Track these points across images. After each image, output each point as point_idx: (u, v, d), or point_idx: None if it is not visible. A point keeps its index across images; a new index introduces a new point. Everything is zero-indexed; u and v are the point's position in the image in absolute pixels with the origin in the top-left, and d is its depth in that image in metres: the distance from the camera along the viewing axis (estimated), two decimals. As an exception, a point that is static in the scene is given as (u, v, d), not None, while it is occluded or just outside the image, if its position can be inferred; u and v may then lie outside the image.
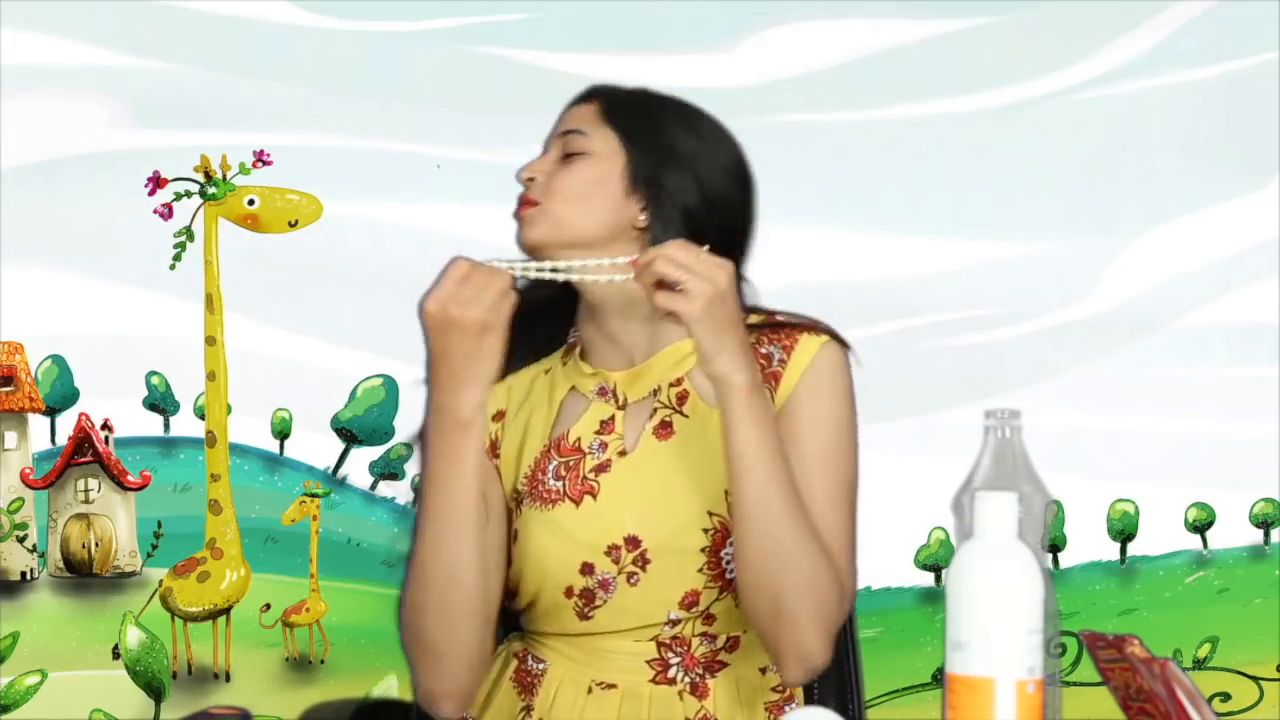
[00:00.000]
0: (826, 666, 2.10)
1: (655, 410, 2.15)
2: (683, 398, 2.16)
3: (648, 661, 2.14)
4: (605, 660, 2.14)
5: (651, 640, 2.14)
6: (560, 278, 2.11)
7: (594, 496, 2.12)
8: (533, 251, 2.18)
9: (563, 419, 2.18)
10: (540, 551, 2.11)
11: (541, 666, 2.16)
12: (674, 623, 2.13)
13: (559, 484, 2.14)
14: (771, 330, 2.19)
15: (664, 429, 2.15)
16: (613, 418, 2.15)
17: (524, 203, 2.19)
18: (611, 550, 2.11)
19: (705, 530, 2.11)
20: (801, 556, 2.04)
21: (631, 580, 2.11)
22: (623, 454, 2.14)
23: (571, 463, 2.14)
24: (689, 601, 2.12)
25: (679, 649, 2.14)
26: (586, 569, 2.11)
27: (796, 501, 2.05)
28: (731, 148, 2.22)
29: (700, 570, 2.11)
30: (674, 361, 2.17)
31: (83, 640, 3.28)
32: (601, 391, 2.16)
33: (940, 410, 3.26)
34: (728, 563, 2.12)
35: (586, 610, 2.12)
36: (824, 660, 2.08)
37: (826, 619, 2.08)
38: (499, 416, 2.19)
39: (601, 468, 2.14)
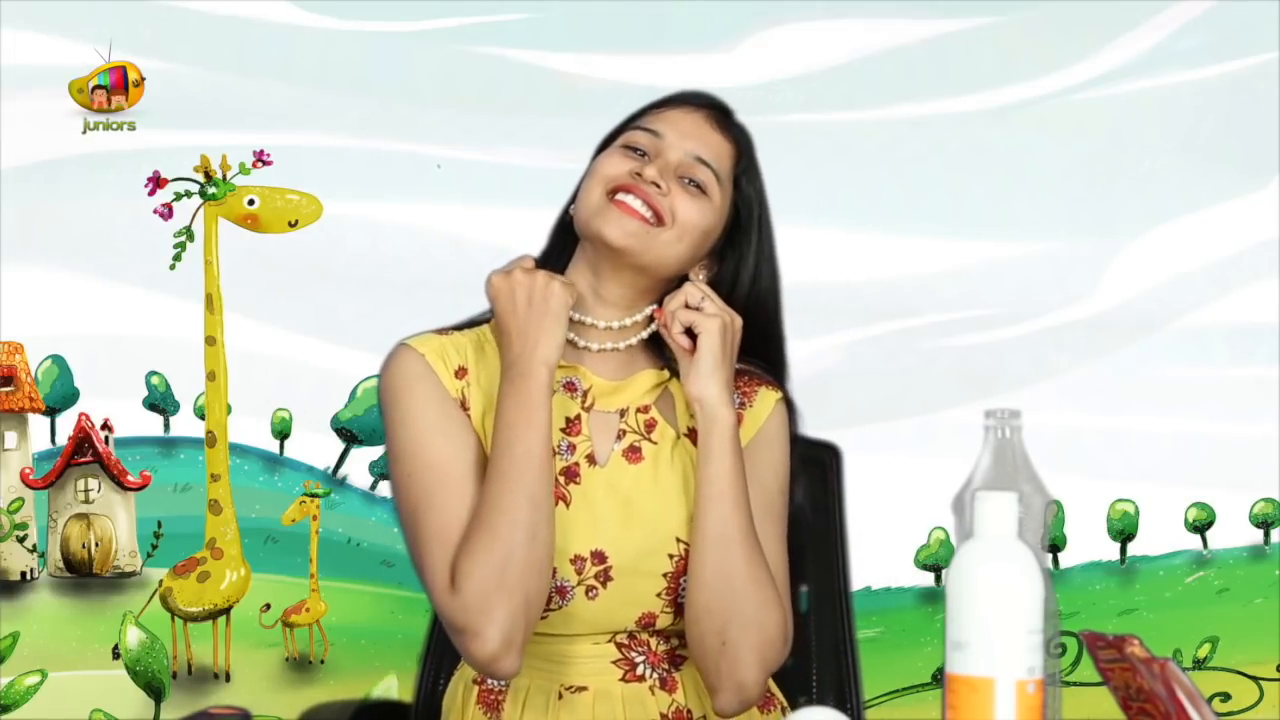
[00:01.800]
0: (757, 702, 2.11)
1: (623, 432, 2.15)
2: (650, 425, 2.16)
3: (613, 662, 2.14)
4: (570, 665, 2.13)
5: (610, 642, 2.14)
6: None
7: (566, 504, 2.11)
8: (610, 249, 2.10)
9: None
10: None
11: (502, 683, 2.15)
12: (629, 634, 2.13)
13: None
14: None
15: (634, 453, 2.14)
16: (579, 418, 2.14)
17: (640, 200, 2.09)
18: (576, 560, 2.10)
19: (671, 556, 2.11)
20: (754, 590, 2.08)
21: (590, 594, 2.10)
22: (590, 460, 2.13)
23: None
24: (644, 622, 2.12)
25: (639, 648, 2.14)
26: None
27: (755, 538, 2.09)
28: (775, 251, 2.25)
29: (658, 595, 2.11)
30: (645, 389, 2.17)
31: (83, 640, 3.28)
32: (569, 386, 2.15)
33: (940, 410, 3.26)
34: (683, 588, 2.12)
35: (542, 610, 2.12)
36: (758, 695, 2.10)
37: (767, 656, 2.10)
38: (461, 373, 2.14)
39: (571, 474, 2.12)
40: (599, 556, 2.11)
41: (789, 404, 2.22)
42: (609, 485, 2.13)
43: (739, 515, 2.07)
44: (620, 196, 2.10)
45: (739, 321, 2.11)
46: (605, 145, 2.19)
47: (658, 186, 2.11)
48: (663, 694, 2.14)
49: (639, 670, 2.14)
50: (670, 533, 2.12)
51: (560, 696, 2.13)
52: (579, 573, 2.10)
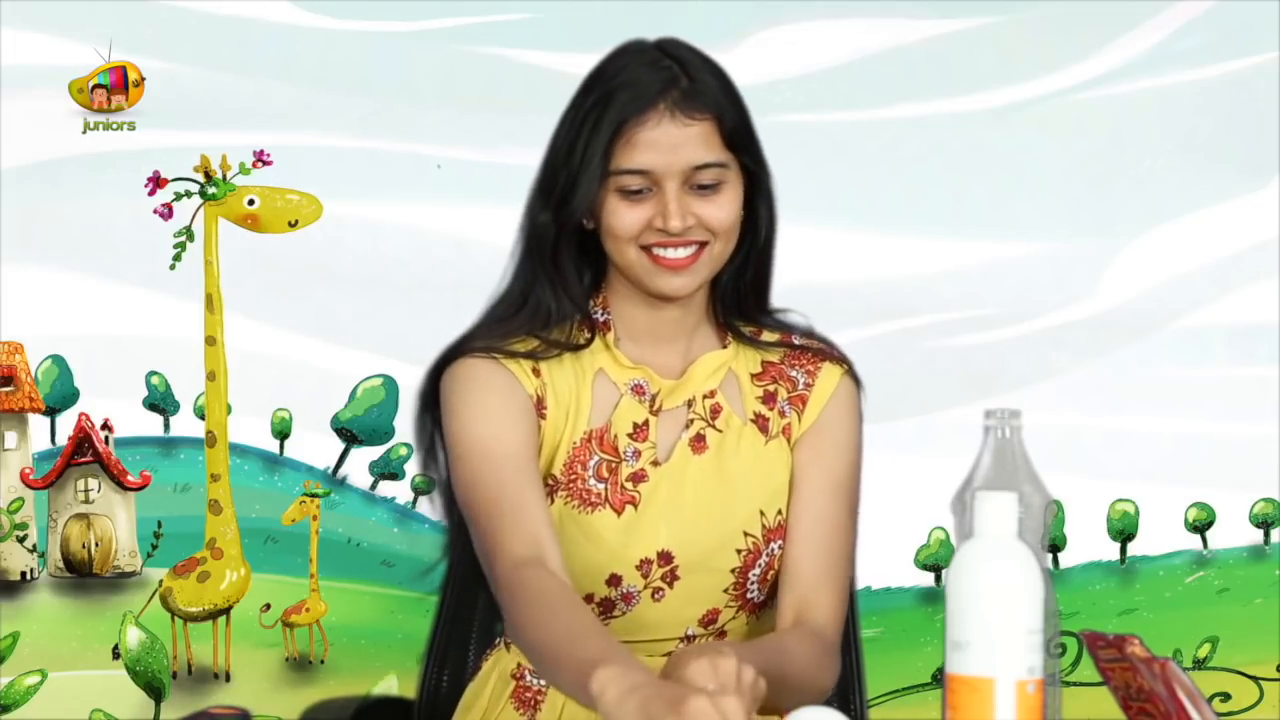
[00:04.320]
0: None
1: (690, 421, 2.13)
2: (716, 411, 2.13)
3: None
4: None
5: (664, 656, 2.12)
6: None
7: (635, 506, 2.08)
8: (677, 297, 2.09)
9: (598, 406, 2.13)
10: (576, 556, 2.08)
11: (542, 682, 2.14)
12: (688, 639, 2.12)
13: (601, 486, 2.08)
14: (794, 354, 2.18)
15: (699, 441, 2.12)
16: (646, 423, 2.11)
17: (676, 247, 2.05)
18: (642, 564, 2.08)
19: (739, 551, 2.09)
20: (827, 682, 2.08)
21: (656, 596, 2.09)
22: (655, 463, 2.11)
23: (612, 464, 2.10)
24: (708, 620, 2.11)
25: None
26: (613, 580, 2.09)
27: (805, 674, 2.04)
28: None
29: (725, 590, 2.10)
30: (709, 372, 2.14)
31: (83, 640, 3.28)
32: (637, 389, 2.12)
33: (940, 410, 3.26)
34: (751, 583, 2.11)
35: (603, 619, 2.10)
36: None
37: (838, 671, 2.12)
38: (537, 373, 2.11)
39: (638, 476, 2.10)
40: (665, 557, 2.09)
41: (854, 378, 2.20)
42: (674, 482, 2.10)
43: (790, 692, 1.97)
44: (657, 252, 2.07)
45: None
46: (573, 142, 2.12)
47: (685, 227, 2.07)
48: None
49: None
50: (737, 527, 2.10)
51: None
52: (645, 576, 2.09)
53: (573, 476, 2.10)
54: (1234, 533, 3.32)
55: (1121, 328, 3.31)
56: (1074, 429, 3.28)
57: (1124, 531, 3.32)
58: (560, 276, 2.12)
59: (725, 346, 2.16)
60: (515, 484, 2.03)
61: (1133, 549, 3.32)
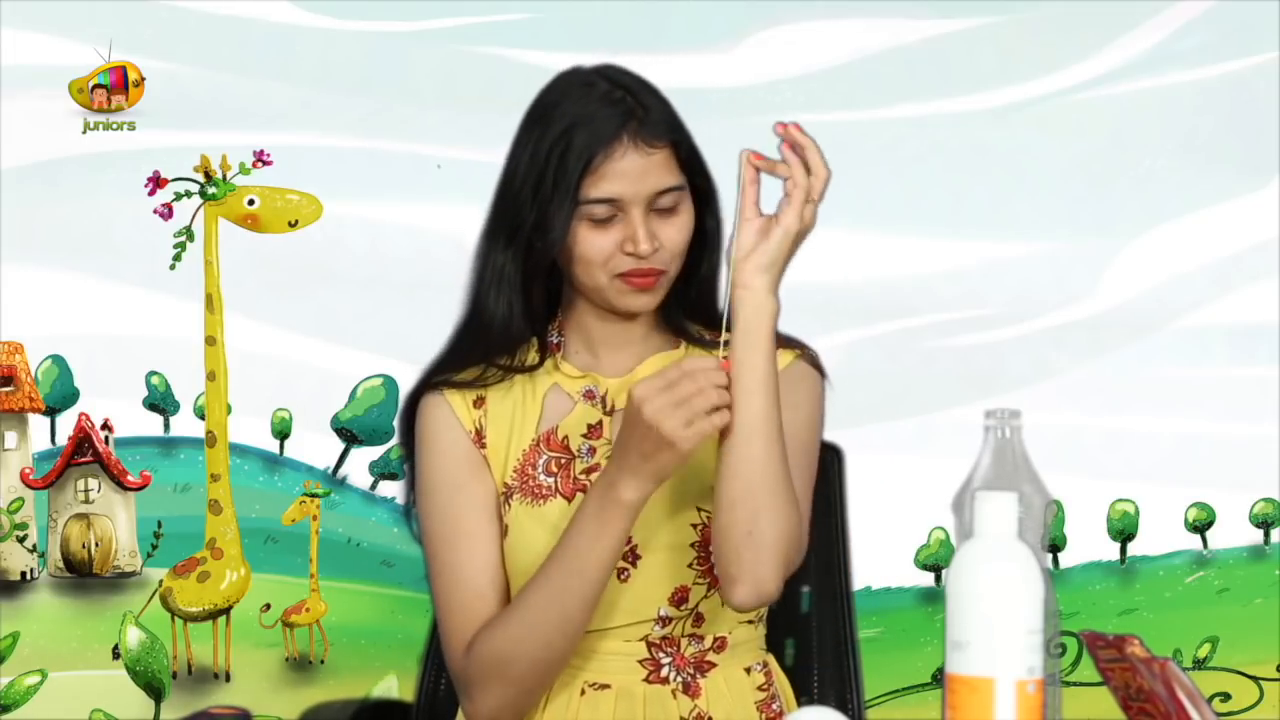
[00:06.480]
0: (775, 600, 2.12)
1: None
2: None
3: (640, 661, 2.16)
4: (596, 661, 2.16)
5: (641, 640, 2.16)
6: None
7: (585, 493, 2.14)
8: (642, 314, 2.19)
9: (548, 415, 2.20)
10: (532, 547, 2.13)
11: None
12: (664, 621, 2.15)
13: (551, 480, 2.16)
14: None
15: None
16: (600, 423, 2.17)
17: (648, 274, 2.14)
18: None
19: (694, 525, 2.14)
20: (782, 488, 2.07)
21: (622, 576, 2.13)
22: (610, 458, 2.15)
23: (562, 460, 2.16)
24: (678, 598, 2.14)
25: (669, 649, 2.16)
26: None
27: (783, 439, 2.07)
28: None
29: (690, 565, 2.14)
30: (657, 368, 2.19)
31: (83, 640, 3.28)
32: (589, 395, 2.19)
33: (940, 410, 3.26)
34: (714, 560, 2.14)
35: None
36: (775, 592, 2.11)
37: (786, 554, 2.10)
38: (479, 402, 2.19)
39: (592, 469, 2.16)
40: None
41: (811, 363, 2.23)
42: None
43: (774, 410, 2.05)
44: (628, 277, 2.15)
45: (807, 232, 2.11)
46: (534, 181, 2.19)
47: (656, 251, 2.14)
48: (685, 698, 2.17)
49: (663, 672, 2.17)
50: (690, 503, 2.15)
51: (583, 693, 2.15)
52: None
53: (525, 478, 2.18)
54: (1234, 533, 3.32)
55: (1121, 328, 3.31)
56: (1074, 429, 3.28)
57: (1124, 531, 3.32)
58: (530, 307, 2.20)
59: (677, 348, 2.21)
60: (474, 561, 2.16)
61: (1133, 549, 3.32)
